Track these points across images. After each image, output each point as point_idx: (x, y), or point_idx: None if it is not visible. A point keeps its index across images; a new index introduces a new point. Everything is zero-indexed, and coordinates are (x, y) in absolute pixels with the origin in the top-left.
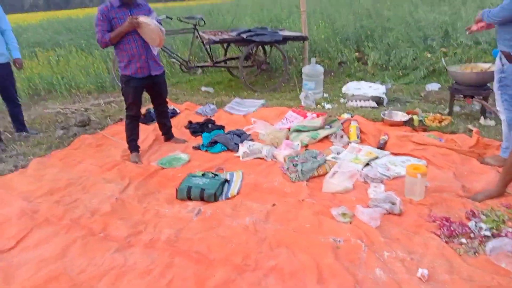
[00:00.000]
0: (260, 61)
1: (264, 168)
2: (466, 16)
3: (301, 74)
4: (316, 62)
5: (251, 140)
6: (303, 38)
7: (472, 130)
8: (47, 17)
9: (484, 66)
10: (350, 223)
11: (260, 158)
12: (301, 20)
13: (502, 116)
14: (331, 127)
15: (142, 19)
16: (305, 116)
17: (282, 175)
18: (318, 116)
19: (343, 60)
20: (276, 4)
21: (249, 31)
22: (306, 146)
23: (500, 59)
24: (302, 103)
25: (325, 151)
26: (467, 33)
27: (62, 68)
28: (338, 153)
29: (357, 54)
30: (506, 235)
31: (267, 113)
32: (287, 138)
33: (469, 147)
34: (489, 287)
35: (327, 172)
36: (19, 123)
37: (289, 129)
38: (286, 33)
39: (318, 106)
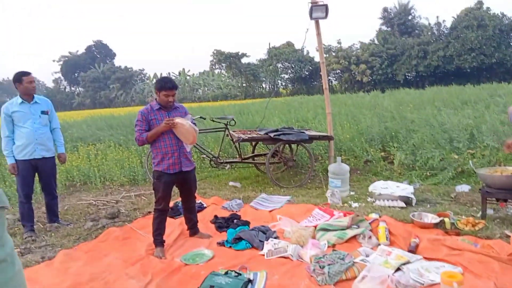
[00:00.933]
0: (286, 158)
1: (289, 269)
2: (490, 119)
3: (327, 171)
4: (342, 161)
5: (276, 237)
6: (328, 138)
7: (509, 236)
8: (92, 114)
9: None
10: None
11: (285, 257)
12: (327, 121)
13: None
14: (358, 227)
15: (178, 120)
16: (331, 215)
17: (308, 277)
18: (345, 215)
19: (368, 159)
20: (302, 106)
21: (277, 130)
22: (333, 246)
23: None
24: (329, 201)
25: (353, 253)
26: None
27: (99, 161)
28: (367, 255)
29: (382, 153)
30: None
31: (293, 210)
32: (313, 237)
33: (508, 254)
34: None
35: (355, 276)
36: (52, 214)
37: (315, 227)
38: (312, 133)
39: (345, 204)
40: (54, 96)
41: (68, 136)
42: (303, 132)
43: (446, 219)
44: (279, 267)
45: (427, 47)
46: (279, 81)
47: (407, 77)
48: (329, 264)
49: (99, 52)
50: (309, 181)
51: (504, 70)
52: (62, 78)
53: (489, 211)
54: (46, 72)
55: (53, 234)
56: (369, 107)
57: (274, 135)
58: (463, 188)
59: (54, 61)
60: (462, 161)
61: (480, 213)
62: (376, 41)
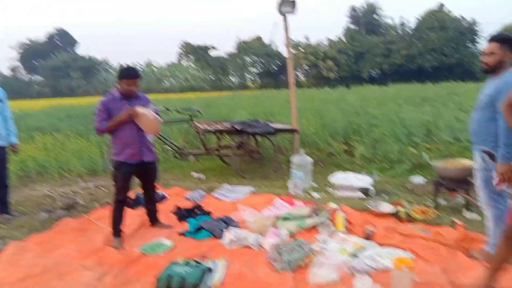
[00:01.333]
0: (251, 150)
1: (249, 257)
2: (447, 116)
3: (291, 163)
4: (306, 153)
5: (238, 227)
6: (293, 131)
7: (457, 223)
8: (52, 104)
9: (466, 162)
10: None
11: (246, 246)
12: (292, 114)
13: (488, 213)
14: (318, 216)
15: (139, 109)
16: (292, 204)
17: (267, 264)
18: (305, 204)
19: (331, 151)
20: (269, 99)
21: (243, 122)
22: (293, 234)
23: (483, 158)
24: (291, 192)
25: (312, 241)
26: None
27: (57, 151)
28: (324, 243)
29: (345, 146)
30: None
31: (255, 200)
32: (274, 226)
33: (455, 240)
34: None
35: (313, 263)
36: (3, 205)
37: (276, 217)
38: (277, 125)
39: (306, 195)
40: (11, 84)
41: (24, 125)
42: (268, 125)
43: (401, 208)
44: (240, 256)
45: (392, 46)
46: (247, 75)
47: (371, 74)
48: (288, 252)
49: (61, 40)
50: (273, 172)
51: (462, 70)
52: (19, 65)
53: (441, 201)
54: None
55: (3, 225)
56: (334, 102)
57: (240, 127)
58: (418, 179)
59: (11, 48)
60: (419, 154)
61: (433, 202)
62: (344, 39)
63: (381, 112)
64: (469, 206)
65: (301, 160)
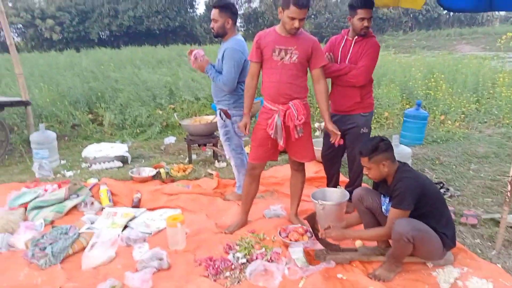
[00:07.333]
0: None
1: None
2: (184, 76)
3: (29, 142)
4: (46, 128)
5: None
6: (24, 103)
7: (212, 174)
8: None
9: (209, 118)
10: None
11: None
12: (19, 83)
13: (232, 162)
14: (78, 196)
15: None
16: (44, 189)
17: (27, 265)
18: (60, 186)
19: (76, 123)
20: None
21: None
22: (52, 222)
23: (221, 115)
24: (37, 175)
25: (77, 224)
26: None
27: None
28: (92, 222)
29: (90, 115)
30: (256, 258)
31: None
32: (25, 219)
33: (213, 188)
34: None
35: (84, 247)
36: None
37: (26, 207)
38: (1, 99)
39: (58, 175)
40: None
41: None
42: None
43: (162, 170)
44: None
45: (117, 6)
46: None
47: (101, 36)
48: (51, 243)
49: None
50: (6, 157)
51: (186, 33)
52: None
53: (194, 156)
54: None
55: None
56: (66, 67)
57: None
58: (170, 140)
59: None
60: (166, 115)
61: (187, 159)
62: None
63: (122, 75)
64: (218, 157)
65: (41, 136)
